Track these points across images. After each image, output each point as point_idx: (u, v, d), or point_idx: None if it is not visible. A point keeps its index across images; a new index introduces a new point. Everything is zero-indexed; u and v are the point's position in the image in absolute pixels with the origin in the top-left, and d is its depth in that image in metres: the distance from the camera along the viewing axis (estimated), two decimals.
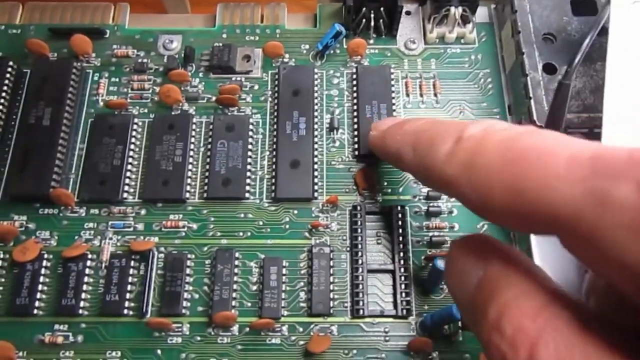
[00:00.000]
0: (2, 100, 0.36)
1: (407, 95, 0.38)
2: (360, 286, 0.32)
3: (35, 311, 0.32)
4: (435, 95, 0.38)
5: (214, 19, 0.40)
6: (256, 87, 0.38)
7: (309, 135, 0.36)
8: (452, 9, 0.38)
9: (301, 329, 0.32)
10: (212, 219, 0.34)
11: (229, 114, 0.37)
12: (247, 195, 0.35)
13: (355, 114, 0.37)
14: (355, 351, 0.31)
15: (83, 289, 0.32)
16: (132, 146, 0.36)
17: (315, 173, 0.35)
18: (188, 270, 0.33)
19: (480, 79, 0.38)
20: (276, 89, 0.37)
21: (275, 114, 0.37)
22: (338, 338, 0.31)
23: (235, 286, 0.32)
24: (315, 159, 0.35)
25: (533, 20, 0.35)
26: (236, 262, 0.33)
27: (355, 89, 0.37)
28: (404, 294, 0.32)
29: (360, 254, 0.33)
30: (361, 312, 0.31)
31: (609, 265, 0.16)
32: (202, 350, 0.31)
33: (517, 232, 0.33)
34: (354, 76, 0.38)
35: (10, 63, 0.37)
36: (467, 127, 0.21)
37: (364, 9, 0.37)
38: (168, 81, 0.37)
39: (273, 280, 0.32)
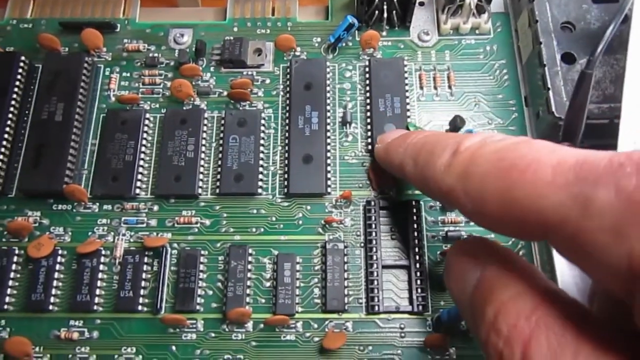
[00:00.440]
0: (14, 96, 0.36)
1: (421, 88, 0.37)
2: (375, 282, 0.31)
3: (51, 307, 0.32)
4: (450, 87, 0.37)
5: (224, 12, 0.40)
6: (268, 81, 0.38)
7: (321, 130, 0.35)
8: None
9: (316, 326, 0.31)
10: (225, 214, 0.34)
11: (241, 108, 0.37)
12: (259, 190, 0.34)
13: (368, 107, 0.36)
14: (370, 347, 0.31)
15: (97, 285, 0.32)
16: (144, 142, 0.36)
17: (328, 168, 0.35)
18: (201, 267, 0.33)
19: (495, 70, 0.38)
20: (288, 82, 0.37)
21: (287, 108, 0.36)
22: (353, 334, 0.31)
23: (249, 282, 0.32)
24: (328, 154, 0.35)
25: (551, 8, 0.34)
26: (249, 258, 0.33)
27: (368, 82, 0.37)
28: (419, 290, 0.31)
29: (374, 249, 0.32)
30: (376, 308, 0.31)
31: (596, 267, 0.17)
32: (216, 347, 0.31)
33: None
34: (367, 69, 0.37)
35: (22, 58, 0.37)
36: (465, 139, 0.22)
37: (376, 0, 0.37)
38: (179, 76, 0.37)
39: (287, 276, 0.32)
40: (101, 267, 0.33)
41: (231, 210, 0.34)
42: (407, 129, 0.35)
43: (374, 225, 0.33)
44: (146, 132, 0.36)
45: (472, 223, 0.33)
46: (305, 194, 0.34)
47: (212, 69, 0.38)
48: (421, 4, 0.40)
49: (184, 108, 0.37)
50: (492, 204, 0.19)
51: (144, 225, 0.34)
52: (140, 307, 0.32)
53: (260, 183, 0.34)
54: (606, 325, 0.18)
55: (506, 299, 0.19)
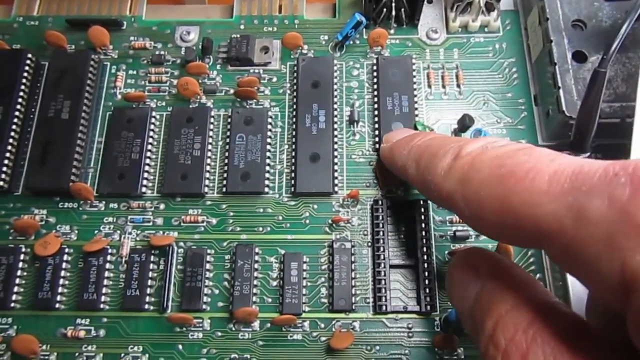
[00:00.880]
0: (21, 93, 0.36)
1: (429, 86, 0.37)
2: (383, 282, 0.31)
3: (57, 305, 0.32)
4: (458, 86, 0.37)
5: (231, 9, 0.40)
6: (275, 79, 0.37)
7: (328, 129, 0.35)
8: None
9: (323, 325, 0.31)
10: (231, 213, 0.34)
11: (248, 107, 0.37)
12: (266, 189, 0.34)
13: (376, 106, 0.36)
14: (378, 347, 0.31)
15: (104, 284, 0.32)
16: (150, 140, 0.35)
17: (336, 167, 0.34)
18: (208, 266, 0.32)
19: (504, 69, 0.37)
20: (295, 81, 0.37)
21: (295, 106, 0.36)
22: (360, 334, 0.31)
23: (255, 282, 0.32)
24: (335, 153, 0.35)
25: (562, 6, 0.34)
26: (256, 258, 0.32)
27: (375, 80, 0.36)
28: (427, 290, 0.31)
29: (382, 249, 0.32)
30: (384, 308, 0.31)
31: (589, 277, 0.17)
32: (223, 346, 0.31)
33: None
34: (375, 67, 0.37)
35: (29, 55, 0.37)
36: (466, 144, 0.23)
37: None
38: (186, 73, 0.37)
39: (294, 275, 0.32)
40: (107, 265, 0.32)
41: (238, 209, 0.34)
42: (415, 127, 0.35)
43: (381, 225, 0.33)
44: (152, 130, 0.36)
45: None
46: (312, 193, 0.34)
47: (218, 66, 0.38)
48: (429, 1, 0.39)
49: (191, 106, 0.37)
50: (489, 210, 0.19)
51: (150, 223, 0.34)
52: (146, 306, 0.32)
53: (267, 182, 0.34)
54: (602, 338, 0.18)
55: (504, 312, 0.19)
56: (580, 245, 0.16)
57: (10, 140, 0.35)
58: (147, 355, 0.31)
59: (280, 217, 0.34)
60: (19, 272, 0.32)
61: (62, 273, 0.32)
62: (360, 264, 0.32)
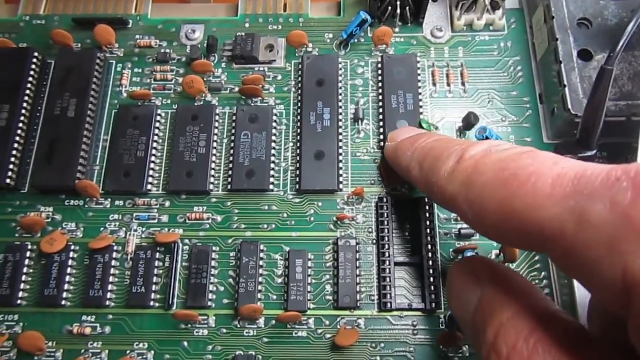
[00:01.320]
0: (27, 92, 0.36)
1: (434, 84, 0.37)
2: (388, 279, 0.31)
3: (64, 302, 0.32)
4: (463, 84, 0.37)
5: (236, 8, 0.40)
6: (279, 77, 0.37)
7: (333, 126, 0.35)
8: None
9: (328, 322, 0.31)
10: (237, 211, 0.34)
11: (253, 104, 0.37)
12: (271, 187, 0.34)
13: (380, 104, 0.36)
14: (383, 345, 0.31)
15: (110, 281, 0.32)
16: (155, 137, 0.36)
17: (340, 165, 0.34)
18: (213, 263, 0.32)
19: (510, 67, 0.37)
20: (300, 79, 0.37)
21: (299, 104, 0.36)
22: (365, 331, 0.31)
23: (260, 279, 0.32)
24: (340, 151, 0.35)
25: (568, 5, 0.34)
26: (261, 255, 0.32)
27: (380, 78, 0.36)
28: (432, 287, 0.31)
29: (387, 246, 0.32)
30: (389, 305, 0.31)
31: (591, 281, 0.17)
32: (228, 343, 0.31)
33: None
34: (380, 65, 0.37)
35: (36, 54, 0.37)
36: (470, 147, 0.23)
37: None
38: (191, 72, 0.37)
39: (299, 273, 0.32)
40: (113, 262, 0.33)
41: (243, 206, 0.34)
42: (420, 126, 0.35)
43: (386, 222, 0.33)
44: (158, 128, 0.36)
45: None
46: (317, 190, 0.34)
47: (223, 65, 0.38)
48: (435, 0, 0.39)
49: (196, 104, 0.37)
50: (492, 213, 0.20)
51: (156, 221, 0.34)
52: (152, 303, 0.32)
53: (272, 179, 0.34)
54: (603, 345, 0.18)
55: (505, 320, 0.19)
56: (582, 249, 0.16)
57: (17, 139, 0.35)
58: (152, 352, 0.31)
59: (285, 215, 0.34)
60: (25, 270, 0.33)
61: (68, 270, 0.32)
62: (365, 261, 0.32)
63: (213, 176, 0.35)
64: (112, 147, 0.35)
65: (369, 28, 0.38)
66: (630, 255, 0.15)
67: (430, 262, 0.31)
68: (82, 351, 0.31)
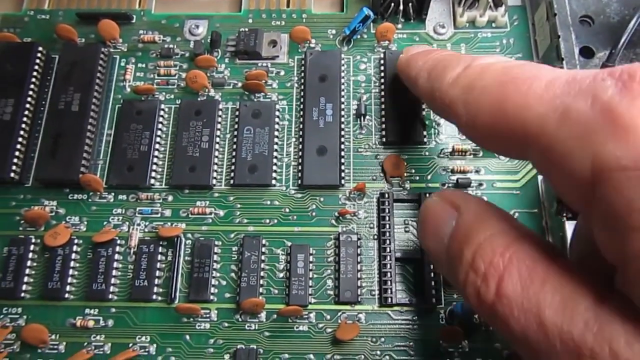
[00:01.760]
0: (32, 86, 0.36)
1: None
2: (389, 274, 0.31)
3: (67, 295, 0.32)
4: None
5: (240, 3, 0.40)
6: (282, 72, 0.38)
7: (335, 122, 0.35)
8: None
9: (328, 317, 0.32)
10: (239, 205, 0.34)
11: (255, 100, 0.37)
12: (273, 182, 0.34)
13: (382, 100, 0.36)
14: (383, 339, 0.31)
15: (113, 274, 0.32)
16: (159, 132, 0.36)
17: (342, 160, 0.34)
18: (215, 257, 0.33)
19: None
20: (303, 74, 0.37)
21: (302, 100, 0.36)
22: (366, 326, 0.31)
23: (262, 273, 0.32)
24: (342, 146, 0.35)
25: (570, 2, 0.34)
26: (263, 249, 0.33)
27: (383, 74, 0.36)
28: (433, 283, 0.31)
29: (388, 242, 0.32)
30: (389, 300, 0.31)
31: (561, 176, 0.17)
32: (229, 337, 0.31)
33: (550, 221, 0.33)
34: (382, 61, 0.37)
35: (40, 48, 0.37)
36: (480, 57, 0.23)
37: None
38: (194, 67, 0.37)
39: (300, 267, 0.32)
40: (116, 256, 0.33)
41: (245, 201, 0.34)
42: (423, 123, 0.35)
43: (387, 218, 0.33)
44: (161, 122, 0.36)
45: None
46: (319, 185, 0.34)
47: (227, 60, 0.38)
48: None
49: (199, 99, 0.37)
50: (484, 113, 0.20)
51: (159, 215, 0.34)
52: (154, 297, 0.32)
53: (274, 174, 0.34)
54: (574, 263, 0.19)
55: (482, 240, 0.20)
56: (557, 143, 0.17)
57: (21, 132, 0.35)
58: (155, 345, 0.31)
59: (287, 210, 0.34)
60: (29, 263, 0.33)
61: (72, 264, 0.33)
62: (366, 256, 0.33)
63: (216, 171, 0.35)
64: (116, 141, 0.35)
65: (371, 24, 0.38)
66: (601, 143, 0.15)
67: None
68: (85, 344, 0.31)
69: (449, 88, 0.23)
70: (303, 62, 0.37)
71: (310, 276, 0.32)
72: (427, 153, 0.35)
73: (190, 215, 0.34)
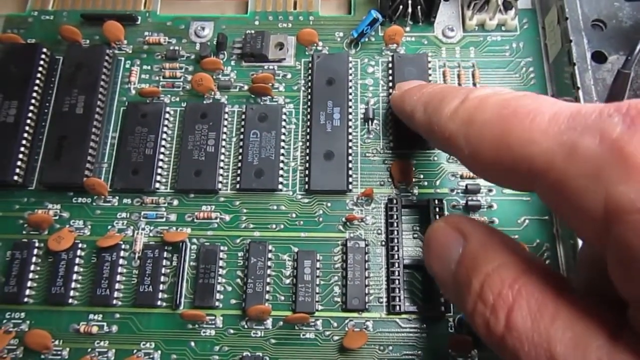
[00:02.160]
0: (35, 88, 0.36)
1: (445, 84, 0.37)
2: (397, 282, 0.31)
3: (70, 300, 0.32)
4: (475, 85, 0.36)
5: (246, 5, 0.40)
6: (289, 75, 0.37)
7: (343, 126, 0.35)
8: None
9: (336, 324, 0.31)
10: (245, 210, 0.34)
11: (262, 103, 0.36)
12: (280, 186, 0.34)
13: (391, 104, 0.36)
14: (391, 347, 0.31)
15: (117, 280, 0.32)
16: (164, 135, 0.35)
17: (350, 165, 0.34)
18: (221, 263, 0.32)
19: (521, 68, 0.37)
20: (310, 77, 0.36)
21: (309, 103, 0.36)
22: (373, 334, 0.31)
23: (268, 279, 0.32)
24: (350, 151, 0.34)
25: (582, 5, 0.33)
26: (269, 255, 0.32)
27: (391, 78, 0.36)
28: (442, 290, 0.31)
29: (396, 248, 0.32)
30: (397, 308, 0.31)
31: (574, 213, 0.17)
32: (235, 343, 0.31)
33: (561, 229, 0.32)
34: (390, 65, 0.36)
35: (44, 49, 0.37)
36: (475, 89, 0.23)
37: None
38: (200, 69, 0.37)
39: (307, 274, 0.32)
40: (121, 261, 0.32)
41: (251, 206, 0.34)
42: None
43: (395, 224, 0.32)
44: (166, 125, 0.36)
45: (496, 223, 0.33)
46: (326, 190, 0.34)
47: (233, 62, 0.38)
48: None
49: (205, 102, 0.36)
50: (487, 148, 0.20)
51: (164, 219, 0.34)
52: (159, 302, 0.32)
53: (280, 179, 0.34)
54: (586, 295, 0.19)
55: (491, 270, 0.20)
56: (567, 180, 0.17)
57: (25, 135, 0.35)
58: (159, 351, 0.31)
59: (294, 215, 0.34)
60: (32, 267, 0.33)
61: (76, 268, 0.32)
62: (374, 263, 0.32)
63: (221, 175, 0.34)
64: (121, 144, 0.35)
65: (379, 27, 0.38)
66: (614, 182, 0.15)
67: None
68: (89, 350, 0.31)
69: (447, 121, 0.23)
70: (310, 65, 0.37)
71: (317, 283, 0.32)
72: (435, 158, 0.35)
73: (195, 220, 0.34)
